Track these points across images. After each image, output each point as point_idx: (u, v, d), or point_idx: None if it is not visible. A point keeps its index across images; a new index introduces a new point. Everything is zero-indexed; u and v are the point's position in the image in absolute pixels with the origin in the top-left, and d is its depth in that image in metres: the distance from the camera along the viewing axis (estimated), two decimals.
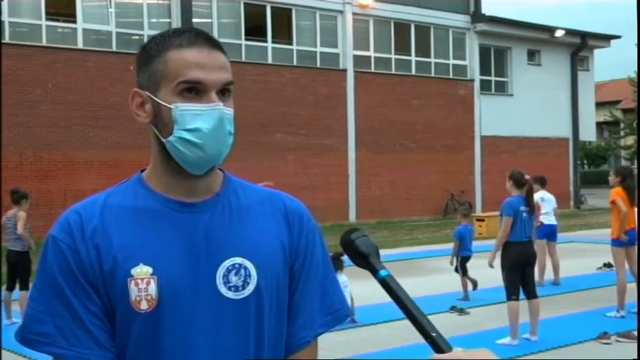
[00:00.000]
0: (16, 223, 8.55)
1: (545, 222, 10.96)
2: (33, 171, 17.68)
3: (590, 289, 10.63)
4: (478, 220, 18.82)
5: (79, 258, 1.43)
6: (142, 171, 1.58)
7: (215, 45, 1.50)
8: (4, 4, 17.26)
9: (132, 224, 1.47)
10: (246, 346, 1.48)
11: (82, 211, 1.49)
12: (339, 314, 1.62)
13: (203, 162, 1.46)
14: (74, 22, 18.96)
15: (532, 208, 7.81)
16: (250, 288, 1.48)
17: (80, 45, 18.93)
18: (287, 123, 21.91)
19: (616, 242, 8.77)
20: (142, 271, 1.43)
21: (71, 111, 18.46)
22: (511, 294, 7.48)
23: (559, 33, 28.09)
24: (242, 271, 1.48)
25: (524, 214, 7.59)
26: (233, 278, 1.47)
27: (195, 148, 1.44)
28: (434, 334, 1.20)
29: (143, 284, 1.42)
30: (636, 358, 6.21)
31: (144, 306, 1.42)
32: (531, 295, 7.62)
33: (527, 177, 7.76)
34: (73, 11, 18.90)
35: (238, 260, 1.48)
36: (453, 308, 9.25)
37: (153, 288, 1.42)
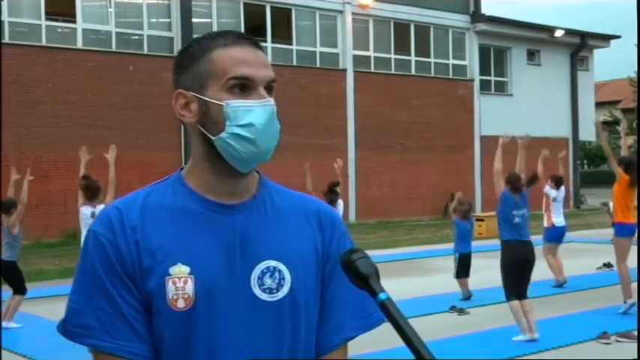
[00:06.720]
0: (10, 230, 8.62)
1: (557, 224, 11.05)
2: (33, 171, 17.62)
3: (590, 289, 10.64)
4: (478, 220, 18.79)
5: (120, 252, 1.46)
6: (182, 169, 1.59)
7: (257, 45, 1.55)
8: (4, 4, 17.25)
9: (171, 223, 1.49)
10: (281, 347, 1.51)
11: (122, 207, 1.51)
12: (374, 318, 1.60)
13: (254, 158, 1.48)
14: (74, 22, 18.97)
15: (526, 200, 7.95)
16: (284, 290, 1.50)
17: (80, 45, 18.94)
18: (287, 123, 21.45)
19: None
20: (179, 270, 1.45)
21: (71, 111, 18.46)
22: (510, 295, 7.54)
23: (559, 33, 28.10)
24: (276, 274, 1.50)
25: (517, 219, 7.64)
26: (267, 280, 1.50)
27: (248, 144, 1.46)
28: None
29: (181, 283, 1.45)
30: (636, 358, 6.21)
31: (181, 304, 1.45)
32: (522, 296, 7.60)
33: (522, 182, 7.94)
34: (72, 11, 18.91)
35: (273, 263, 1.50)
36: (453, 308, 9.23)
37: (190, 287, 1.45)
